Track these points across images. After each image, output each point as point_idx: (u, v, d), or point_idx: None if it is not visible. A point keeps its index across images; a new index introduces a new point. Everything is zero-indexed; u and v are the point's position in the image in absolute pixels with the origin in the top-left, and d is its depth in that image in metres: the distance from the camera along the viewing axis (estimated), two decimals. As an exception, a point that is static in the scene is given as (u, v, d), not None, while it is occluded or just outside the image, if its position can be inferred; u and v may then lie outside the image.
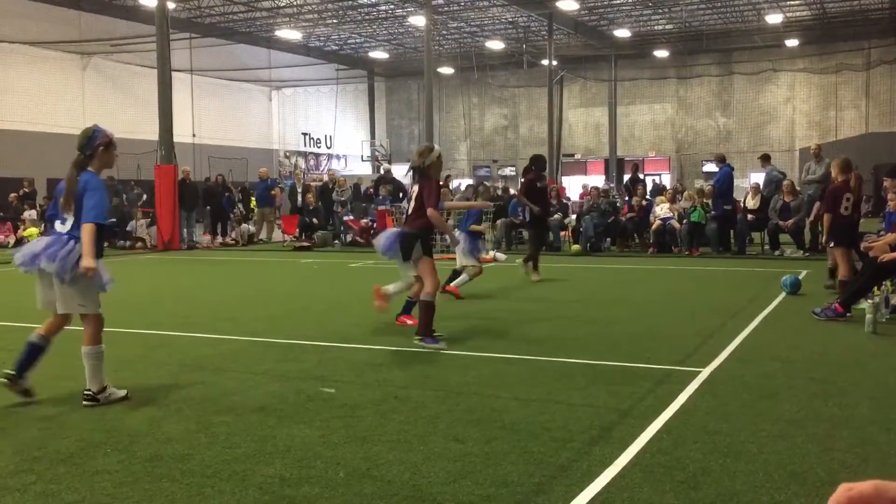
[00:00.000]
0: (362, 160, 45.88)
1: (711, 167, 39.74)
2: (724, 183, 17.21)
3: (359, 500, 3.64)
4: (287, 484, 3.87)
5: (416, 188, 7.55)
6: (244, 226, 23.22)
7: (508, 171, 44.46)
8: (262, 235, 23.27)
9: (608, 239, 18.65)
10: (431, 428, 4.75)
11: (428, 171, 7.52)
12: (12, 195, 24.09)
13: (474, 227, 11.01)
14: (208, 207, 22.67)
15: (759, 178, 18.80)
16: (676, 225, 17.19)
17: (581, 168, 44.27)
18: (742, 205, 17.55)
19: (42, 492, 3.80)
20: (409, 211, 7.61)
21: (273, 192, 23.41)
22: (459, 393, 5.60)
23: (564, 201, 20.84)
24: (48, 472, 4.07)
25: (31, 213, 23.10)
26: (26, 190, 24.38)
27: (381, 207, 20.48)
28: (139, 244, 21.02)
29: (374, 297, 8.05)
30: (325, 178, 25.93)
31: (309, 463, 4.16)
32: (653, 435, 4.56)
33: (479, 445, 4.41)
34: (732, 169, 17.31)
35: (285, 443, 4.50)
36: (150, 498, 3.71)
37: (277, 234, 23.26)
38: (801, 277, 10.70)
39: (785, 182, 16.76)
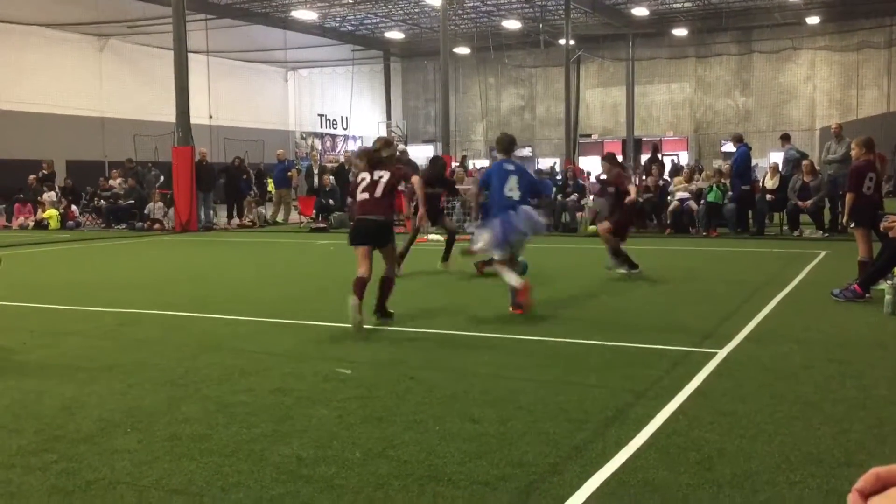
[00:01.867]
0: (378, 141, 45.78)
1: (730, 147, 39.52)
2: (741, 163, 17.06)
3: (375, 480, 3.67)
4: (304, 463, 3.91)
5: (381, 174, 7.61)
6: (260, 208, 23.28)
7: (525, 151, 44.30)
8: (279, 217, 23.34)
9: (625, 220, 18.56)
10: (447, 408, 4.77)
11: (388, 160, 7.94)
12: (31, 177, 24.27)
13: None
14: (222, 181, 22.72)
15: (778, 157, 18.58)
16: (694, 206, 17.08)
17: (598, 149, 44.00)
18: (761, 185, 17.40)
19: (63, 470, 3.86)
20: (377, 195, 7.53)
21: (290, 174, 23.44)
22: (475, 374, 5.62)
23: (581, 182, 20.74)
24: (69, 451, 4.13)
25: (50, 195, 23.27)
26: (45, 172, 24.55)
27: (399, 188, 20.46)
28: (157, 226, 21.13)
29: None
30: (342, 159, 25.93)
31: (325, 443, 4.19)
32: (668, 416, 4.56)
33: (495, 426, 4.43)
34: (750, 149, 17.11)
35: (302, 423, 4.54)
36: (170, 477, 3.76)
37: (294, 216, 23.32)
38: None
39: (804, 162, 16.58)
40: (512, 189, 8.08)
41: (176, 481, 3.70)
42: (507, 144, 8.57)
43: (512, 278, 7.94)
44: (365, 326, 7.12)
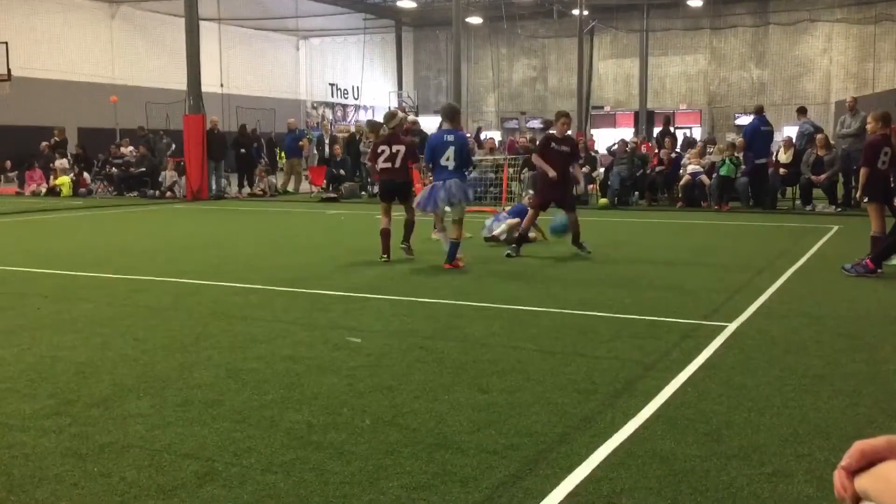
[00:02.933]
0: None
1: (743, 120, 39.14)
2: (749, 136, 16.86)
3: (384, 448, 3.71)
4: (314, 430, 3.94)
5: (398, 148, 9.33)
6: (270, 177, 23.28)
7: (537, 123, 44.05)
8: (290, 187, 23.33)
9: (636, 192, 18.49)
10: (456, 378, 4.80)
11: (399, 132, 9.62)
12: (43, 144, 24.32)
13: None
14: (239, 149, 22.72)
15: (792, 131, 18.37)
16: (706, 180, 16.99)
17: (610, 120, 43.73)
18: (774, 159, 17.25)
19: (77, 434, 3.91)
20: (396, 165, 9.37)
21: (301, 143, 23.39)
22: (484, 344, 5.64)
23: (592, 154, 20.63)
24: (83, 415, 4.18)
25: (62, 162, 23.33)
26: (56, 139, 24.59)
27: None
28: (168, 194, 21.18)
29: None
30: (353, 129, 25.85)
31: (335, 410, 4.23)
32: (677, 388, 4.58)
33: (504, 396, 4.46)
34: (761, 122, 16.79)
35: (312, 390, 4.58)
36: (182, 441, 3.80)
37: (305, 186, 23.31)
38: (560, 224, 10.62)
39: (818, 136, 16.42)
40: (448, 158, 8.86)
41: (188, 446, 3.75)
42: (450, 113, 9.41)
43: (443, 237, 9.31)
44: (378, 296, 7.16)
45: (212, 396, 4.47)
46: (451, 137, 8.85)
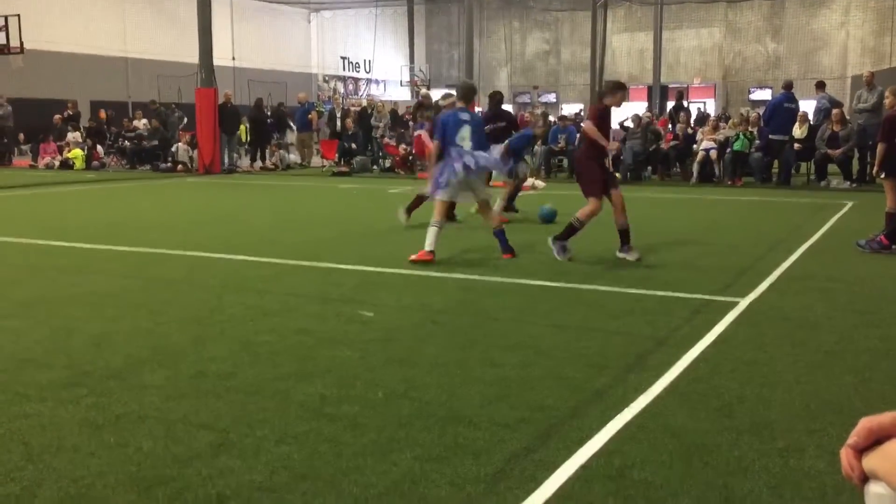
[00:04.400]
0: (401, 85, 45.39)
1: (758, 94, 38.74)
2: (770, 110, 16.69)
3: (397, 420, 3.73)
4: (327, 402, 3.97)
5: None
6: (282, 151, 23.26)
7: (550, 97, 43.74)
8: (300, 160, 23.30)
9: (649, 167, 18.39)
10: (468, 352, 4.82)
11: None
12: (56, 117, 24.36)
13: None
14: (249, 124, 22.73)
15: (809, 106, 18.14)
16: (713, 155, 16.87)
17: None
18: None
19: (93, 404, 3.95)
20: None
21: (310, 117, 23.33)
22: (496, 319, 5.65)
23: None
24: (98, 386, 4.22)
25: (75, 136, 23.38)
26: (69, 112, 24.63)
27: (418, 132, 20.31)
28: (180, 167, 21.21)
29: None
30: (364, 103, 25.76)
31: (348, 383, 4.26)
32: (689, 363, 4.58)
33: (515, 370, 4.47)
34: (786, 98, 16.53)
35: (325, 363, 4.60)
36: (196, 412, 3.84)
37: (316, 160, 23.29)
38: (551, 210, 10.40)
39: (834, 111, 16.25)
40: (464, 138, 8.01)
41: (203, 417, 3.78)
42: (466, 93, 8.46)
43: (431, 234, 7.78)
44: (390, 270, 7.17)
45: (225, 369, 4.50)
46: (466, 116, 8.14)
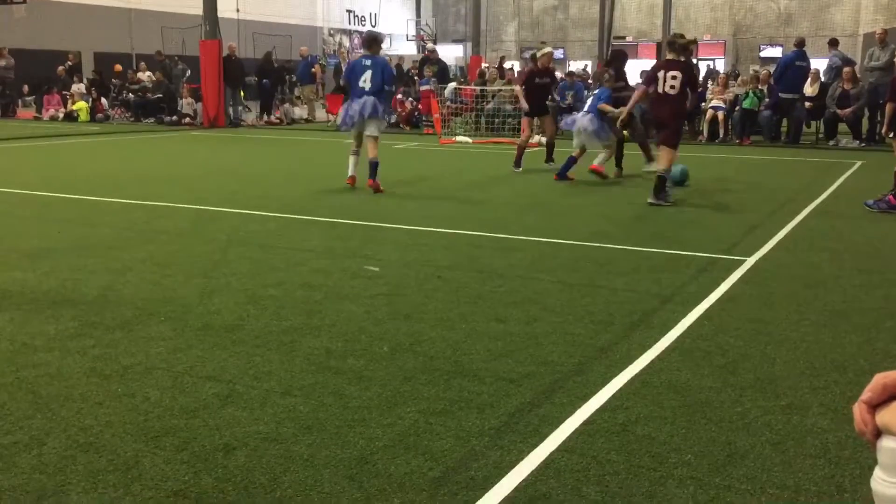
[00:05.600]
0: (407, 39, 44.96)
1: (769, 52, 38.25)
2: (781, 68, 16.46)
3: (402, 374, 3.75)
4: (333, 356, 3.99)
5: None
6: (286, 105, 23.08)
7: (557, 53, 43.22)
8: (305, 114, 23.14)
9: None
10: (473, 308, 4.83)
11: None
12: (60, 68, 24.18)
13: (604, 107, 10.67)
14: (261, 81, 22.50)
15: (820, 64, 17.88)
16: (720, 116, 16.71)
17: (632, 51, 42.86)
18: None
19: (100, 355, 3.98)
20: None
21: (313, 70, 23.09)
22: (502, 275, 5.65)
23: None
24: (105, 337, 4.25)
25: (79, 87, 23.23)
26: (71, 63, 24.43)
27: (424, 88, 20.15)
28: (186, 120, 21.10)
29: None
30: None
31: (354, 337, 4.27)
32: (694, 321, 4.59)
33: (521, 326, 4.48)
34: (797, 57, 16.26)
35: (331, 317, 4.62)
36: (203, 364, 3.86)
37: (321, 114, 23.12)
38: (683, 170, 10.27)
39: (845, 69, 16.03)
40: (365, 81, 9.39)
41: (209, 368, 3.81)
42: (369, 41, 9.77)
43: (352, 161, 9.88)
44: (396, 225, 7.16)
45: (231, 321, 4.52)
46: (368, 62, 9.46)
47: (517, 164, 11.79)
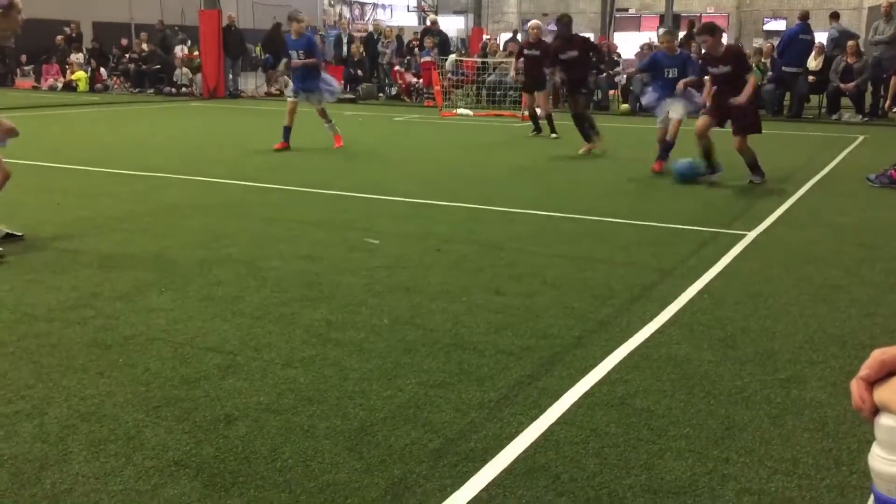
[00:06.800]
0: (408, 10, 44.57)
1: (772, 25, 37.93)
2: (785, 41, 16.33)
3: (402, 346, 3.76)
4: (333, 327, 4.00)
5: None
6: (284, 77, 22.90)
7: (552, 26, 42.85)
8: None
9: (659, 98, 18.11)
10: (473, 280, 4.83)
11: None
12: (59, 38, 23.98)
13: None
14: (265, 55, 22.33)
15: (824, 37, 17.74)
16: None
17: (635, 24, 42.55)
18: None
19: (101, 325, 3.99)
20: None
21: (313, 42, 22.91)
22: (502, 248, 5.65)
23: (615, 58, 20.15)
24: (106, 308, 4.25)
25: (77, 57, 23.07)
26: (70, 33, 24.23)
27: (425, 59, 20.02)
28: (185, 90, 20.98)
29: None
30: (370, 28, 25.31)
31: (354, 309, 4.28)
32: (693, 295, 4.59)
33: (521, 299, 4.49)
34: (801, 30, 16.10)
35: (331, 289, 4.62)
36: (204, 335, 3.87)
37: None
38: (696, 164, 8.68)
39: (849, 43, 15.91)
40: (298, 57, 10.47)
41: (210, 339, 3.82)
42: (289, 19, 10.70)
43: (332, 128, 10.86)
44: (397, 198, 7.14)
45: (232, 293, 4.53)
46: (296, 39, 10.49)
47: (550, 130, 12.35)
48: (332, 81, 11.12)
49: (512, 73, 12.59)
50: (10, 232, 5.58)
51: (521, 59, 12.62)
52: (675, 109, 9.15)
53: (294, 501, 2.48)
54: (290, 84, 11.02)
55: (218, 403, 3.14)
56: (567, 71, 10.63)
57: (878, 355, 0.80)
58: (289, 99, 10.95)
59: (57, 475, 2.61)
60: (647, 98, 9.88)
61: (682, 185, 8.29)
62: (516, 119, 15.43)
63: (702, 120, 8.50)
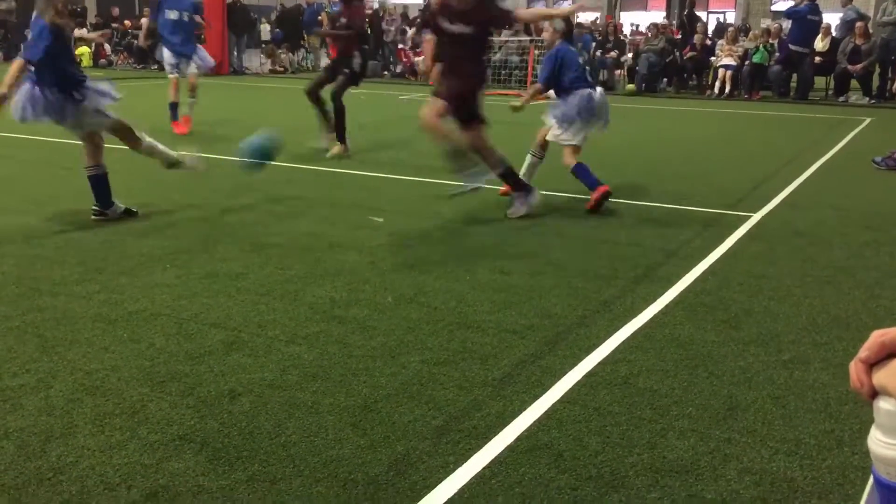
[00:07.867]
0: (414, -12, 44.30)
1: (780, 6, 37.63)
2: (791, 19, 16.20)
3: (406, 324, 3.77)
4: (337, 305, 4.01)
5: None
6: (289, 54, 22.83)
7: (565, 4, 42.56)
8: (313, 63, 22.91)
9: (664, 79, 18.04)
10: (477, 260, 4.83)
11: None
12: (62, 13, 23.85)
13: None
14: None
15: (832, 18, 17.59)
16: (728, 76, 16.52)
17: (642, 3, 42.23)
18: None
19: (106, 300, 4.00)
20: None
21: (319, 18, 22.77)
22: (506, 228, 5.65)
23: (621, 38, 20.03)
24: (111, 283, 4.26)
25: (81, 32, 22.92)
26: (77, 8, 24.10)
27: (428, 38, 19.90)
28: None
29: None
30: (376, 5, 25.14)
31: (358, 287, 4.28)
32: (698, 276, 4.58)
33: (525, 278, 4.49)
34: (810, 10, 15.95)
35: (335, 267, 4.62)
36: (208, 311, 3.88)
37: (326, 62, 22.87)
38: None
39: (858, 23, 15.79)
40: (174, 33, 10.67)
41: (214, 315, 3.82)
42: None
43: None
44: (401, 177, 7.11)
45: (236, 269, 4.53)
46: (175, 15, 10.66)
47: None
48: (206, 55, 11.17)
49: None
50: (128, 208, 5.71)
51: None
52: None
53: (297, 476, 2.49)
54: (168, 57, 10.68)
55: (222, 379, 3.15)
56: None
57: (878, 337, 0.79)
58: (171, 76, 10.73)
59: (62, 448, 2.62)
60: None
61: (686, 165, 8.26)
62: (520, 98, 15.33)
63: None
